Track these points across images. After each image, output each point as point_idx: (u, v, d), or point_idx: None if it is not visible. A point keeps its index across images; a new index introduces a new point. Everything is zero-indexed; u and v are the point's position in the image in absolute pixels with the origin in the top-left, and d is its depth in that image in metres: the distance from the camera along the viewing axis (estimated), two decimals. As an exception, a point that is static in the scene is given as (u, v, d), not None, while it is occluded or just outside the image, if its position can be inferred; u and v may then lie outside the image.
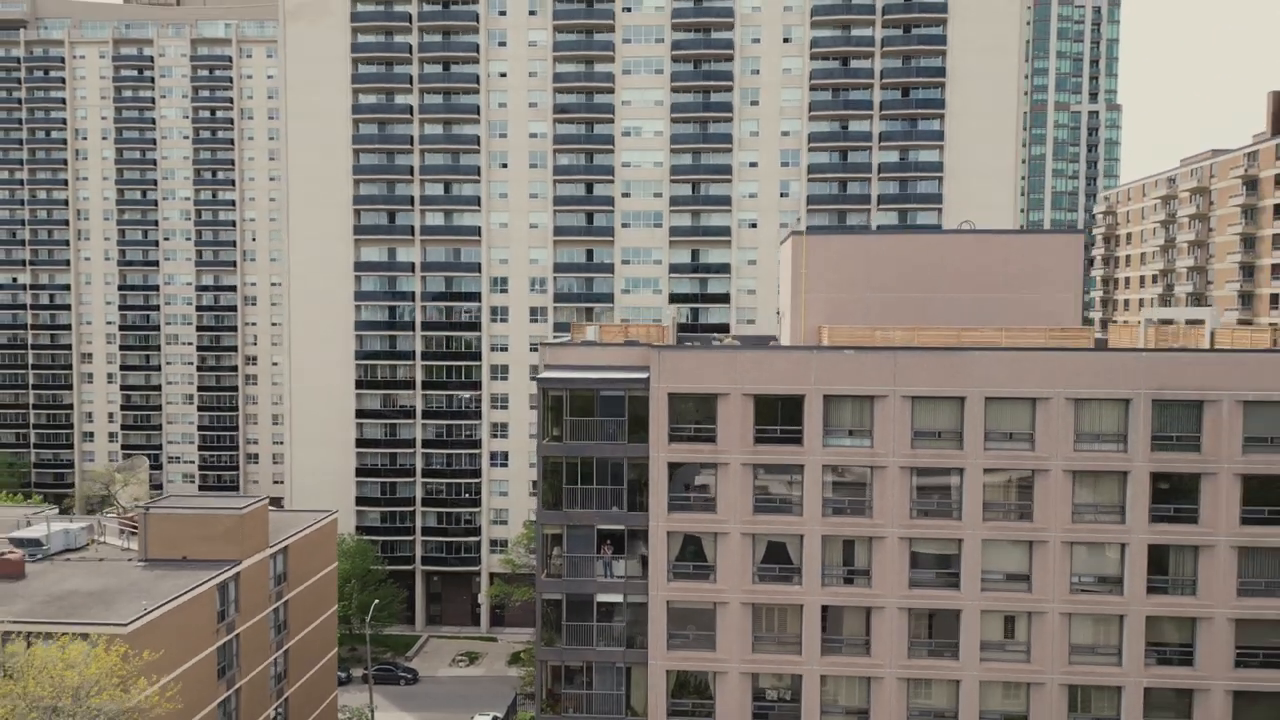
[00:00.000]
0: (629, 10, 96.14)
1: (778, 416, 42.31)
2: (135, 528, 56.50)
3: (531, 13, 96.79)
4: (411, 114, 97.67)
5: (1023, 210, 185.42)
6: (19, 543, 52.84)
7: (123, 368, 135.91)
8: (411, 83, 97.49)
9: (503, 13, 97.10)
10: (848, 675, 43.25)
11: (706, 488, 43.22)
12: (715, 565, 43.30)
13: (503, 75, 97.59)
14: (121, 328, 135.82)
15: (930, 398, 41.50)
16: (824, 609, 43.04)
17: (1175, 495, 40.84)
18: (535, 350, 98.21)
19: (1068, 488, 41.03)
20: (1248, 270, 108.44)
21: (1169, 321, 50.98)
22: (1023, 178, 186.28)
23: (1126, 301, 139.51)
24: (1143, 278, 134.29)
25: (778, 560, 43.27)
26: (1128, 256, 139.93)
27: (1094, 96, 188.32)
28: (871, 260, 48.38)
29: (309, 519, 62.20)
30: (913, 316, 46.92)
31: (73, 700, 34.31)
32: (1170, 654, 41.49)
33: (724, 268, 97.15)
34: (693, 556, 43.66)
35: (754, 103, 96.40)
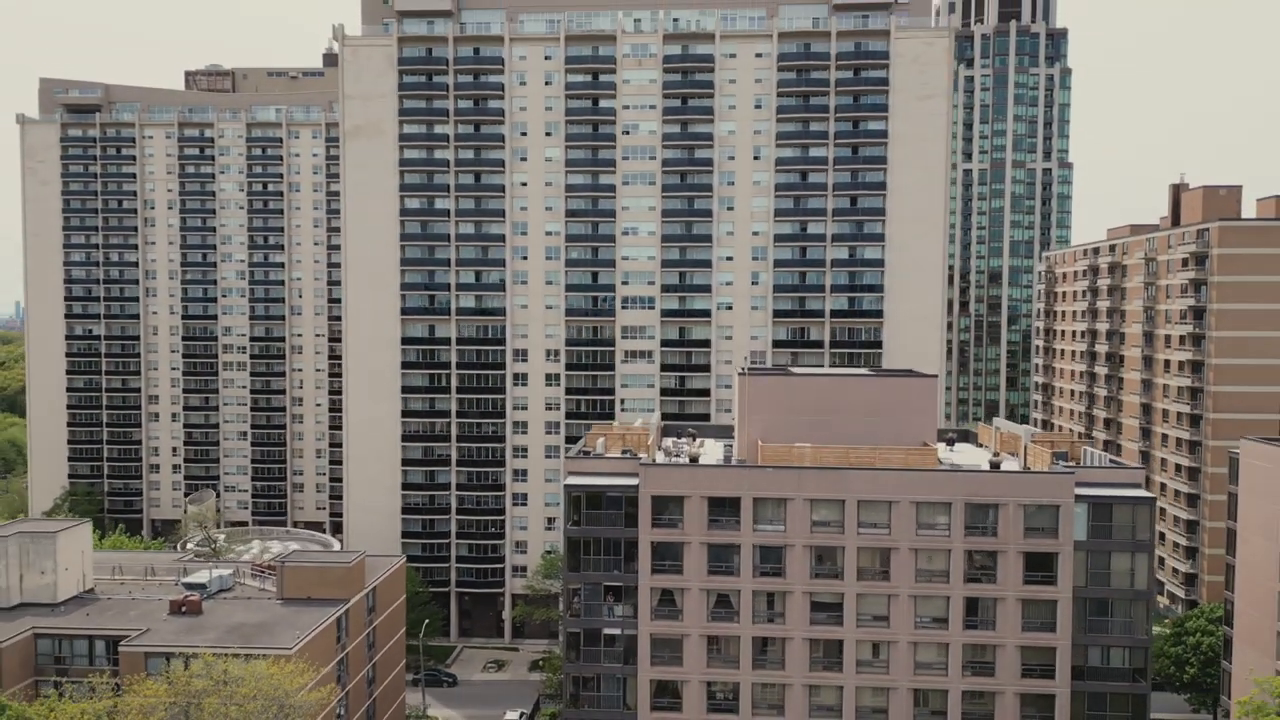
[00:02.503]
0: (628, 133, 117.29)
1: (724, 510, 63.55)
2: (265, 571, 77.69)
3: (548, 134, 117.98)
4: (449, 216, 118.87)
5: (982, 257, 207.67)
6: (190, 586, 73.87)
7: (185, 408, 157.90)
8: (449, 190, 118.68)
9: (524, 134, 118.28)
10: (771, 682, 64.57)
11: (677, 557, 64.39)
12: (683, 609, 64.65)
13: (524, 184, 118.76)
14: (184, 373, 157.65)
15: (823, 499, 62.71)
16: (755, 638, 64.28)
17: (981, 565, 62.17)
18: (550, 409, 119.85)
19: (912, 559, 62.32)
20: (1149, 337, 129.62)
21: (1011, 431, 72.12)
22: (983, 228, 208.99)
23: (1061, 351, 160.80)
24: (1074, 332, 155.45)
25: (724, 605, 64.61)
26: (1062, 312, 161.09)
27: (1048, 155, 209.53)
28: (794, 392, 69.56)
29: (386, 564, 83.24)
30: (821, 433, 68.00)
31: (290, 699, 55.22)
32: (980, 668, 62.93)
33: (705, 343, 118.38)
34: (668, 603, 64.97)
35: (730, 208, 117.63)
